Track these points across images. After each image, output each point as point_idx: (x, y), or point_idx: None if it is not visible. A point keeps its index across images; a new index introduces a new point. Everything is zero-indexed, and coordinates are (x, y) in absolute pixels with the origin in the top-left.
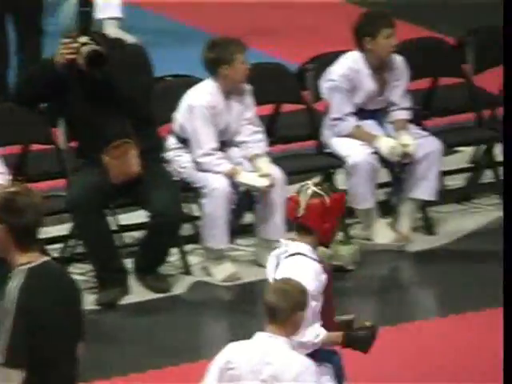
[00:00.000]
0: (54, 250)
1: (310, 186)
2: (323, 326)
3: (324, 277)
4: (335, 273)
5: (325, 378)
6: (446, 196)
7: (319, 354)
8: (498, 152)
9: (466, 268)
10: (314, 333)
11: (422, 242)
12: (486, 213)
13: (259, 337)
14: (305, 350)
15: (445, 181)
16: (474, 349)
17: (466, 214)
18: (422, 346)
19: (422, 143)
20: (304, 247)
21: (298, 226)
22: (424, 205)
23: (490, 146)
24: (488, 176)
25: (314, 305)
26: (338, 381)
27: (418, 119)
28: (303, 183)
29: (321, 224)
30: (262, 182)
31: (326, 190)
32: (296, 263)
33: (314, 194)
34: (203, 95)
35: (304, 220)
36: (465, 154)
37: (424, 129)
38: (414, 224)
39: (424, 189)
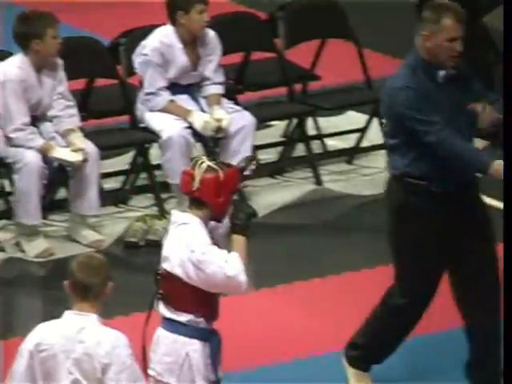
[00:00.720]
0: None
1: (205, 160)
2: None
3: None
4: (150, 247)
5: (198, 356)
6: (260, 170)
7: (199, 333)
8: (310, 126)
9: (279, 241)
10: (231, 260)
11: None
12: (298, 186)
13: (68, 315)
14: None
15: (258, 155)
16: (286, 322)
17: (279, 187)
18: (237, 320)
19: (235, 118)
20: (195, 219)
21: (191, 199)
22: None
23: (301, 120)
24: (300, 150)
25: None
26: (214, 360)
27: (231, 94)
28: (196, 157)
29: (215, 198)
30: (75, 157)
31: (220, 164)
32: (186, 229)
33: (209, 169)
34: (13, 69)
35: (199, 194)
36: (277, 128)
37: (237, 103)
38: None
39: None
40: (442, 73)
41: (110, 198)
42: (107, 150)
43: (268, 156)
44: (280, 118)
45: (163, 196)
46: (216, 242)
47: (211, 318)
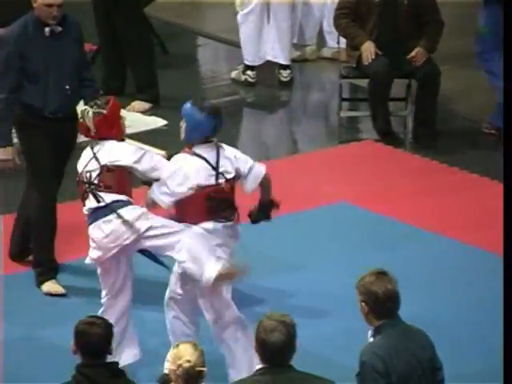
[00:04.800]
0: None
1: (89, 109)
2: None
3: None
4: None
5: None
6: None
7: None
8: None
9: None
10: None
11: None
12: None
13: None
14: None
15: None
16: None
17: None
18: None
19: None
20: None
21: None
22: None
23: None
24: None
25: None
26: None
27: None
28: (83, 108)
29: (110, 131)
30: None
31: (102, 104)
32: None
33: (95, 114)
34: None
35: (97, 135)
36: None
37: None
38: None
39: None
40: (47, 28)
41: None
42: None
43: None
44: None
45: None
46: None
47: None
